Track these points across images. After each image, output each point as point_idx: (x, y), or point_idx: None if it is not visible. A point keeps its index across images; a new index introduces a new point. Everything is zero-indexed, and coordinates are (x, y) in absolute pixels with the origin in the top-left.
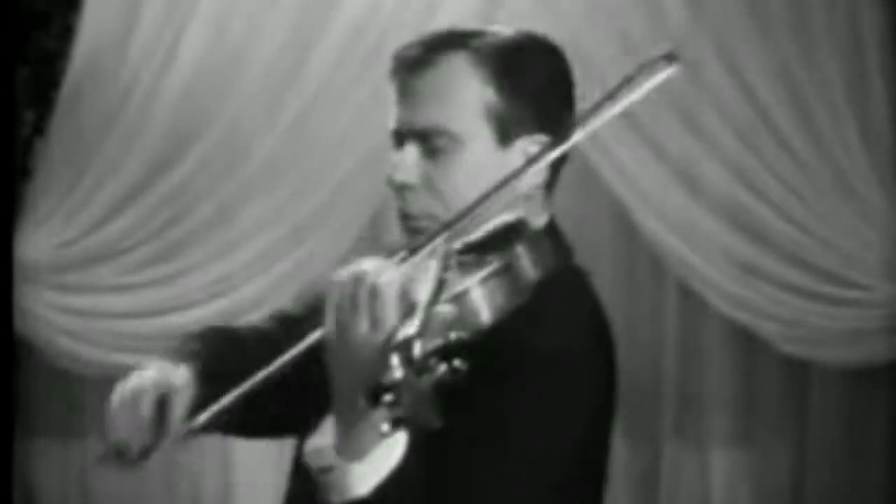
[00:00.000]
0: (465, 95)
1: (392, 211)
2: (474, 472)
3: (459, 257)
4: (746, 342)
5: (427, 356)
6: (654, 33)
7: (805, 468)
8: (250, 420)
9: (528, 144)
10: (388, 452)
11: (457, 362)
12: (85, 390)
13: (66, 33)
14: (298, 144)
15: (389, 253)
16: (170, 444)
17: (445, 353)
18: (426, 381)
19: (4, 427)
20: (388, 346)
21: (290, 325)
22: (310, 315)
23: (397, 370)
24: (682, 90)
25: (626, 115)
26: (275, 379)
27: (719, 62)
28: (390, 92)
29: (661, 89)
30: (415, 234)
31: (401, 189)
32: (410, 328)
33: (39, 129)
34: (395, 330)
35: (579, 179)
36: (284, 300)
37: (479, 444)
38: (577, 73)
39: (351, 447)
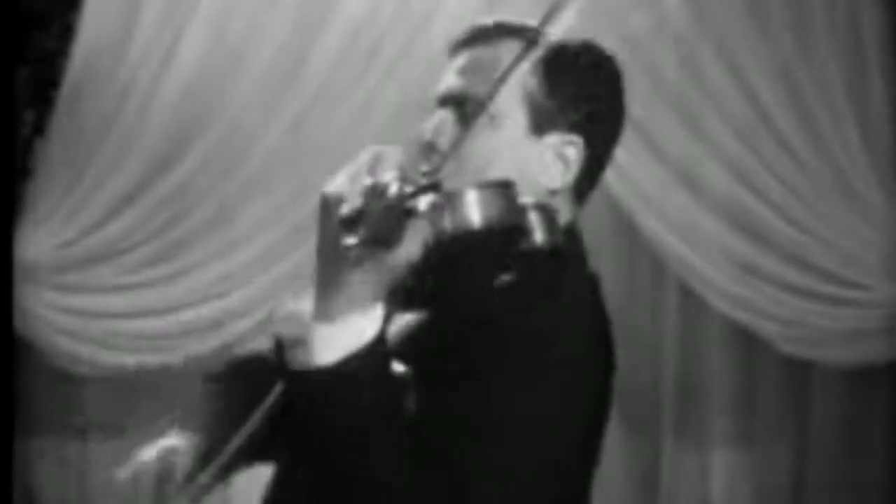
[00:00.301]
0: (514, 79)
1: None
2: (467, 447)
3: None
4: (746, 342)
5: (400, 195)
6: (655, 33)
7: (805, 468)
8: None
9: (560, 142)
10: (361, 326)
11: (430, 197)
12: (85, 390)
13: (66, 33)
14: (298, 144)
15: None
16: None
17: (418, 192)
18: (392, 204)
19: (4, 427)
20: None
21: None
22: None
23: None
24: (683, 91)
25: (626, 116)
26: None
27: (719, 62)
28: (448, 63)
29: (661, 89)
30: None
31: (427, 149)
32: (391, 178)
33: (39, 128)
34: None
35: None
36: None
37: (472, 424)
38: None
39: (326, 312)
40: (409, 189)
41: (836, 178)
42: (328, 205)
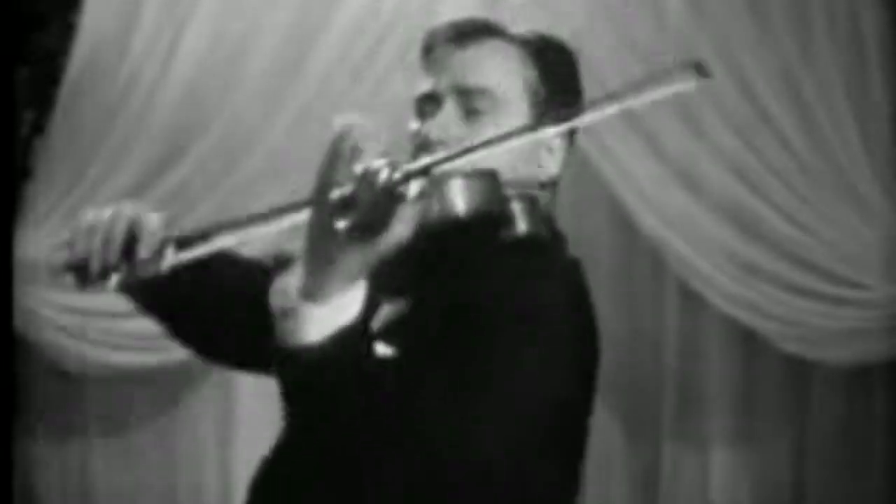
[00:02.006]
0: (512, 68)
1: None
2: (451, 411)
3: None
4: (746, 342)
5: (390, 181)
6: (655, 33)
7: (805, 467)
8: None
9: (552, 135)
10: (345, 305)
11: (419, 182)
12: (85, 390)
13: (67, 31)
14: (299, 143)
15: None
16: (129, 274)
17: (408, 177)
18: (382, 189)
19: (4, 427)
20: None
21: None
22: None
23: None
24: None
25: (627, 114)
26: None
27: (719, 62)
28: (425, 63)
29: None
30: None
31: (436, 145)
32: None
33: (39, 127)
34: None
35: (580, 179)
36: None
37: (457, 386)
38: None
39: (315, 291)
40: (398, 175)
41: (836, 178)
42: (321, 186)
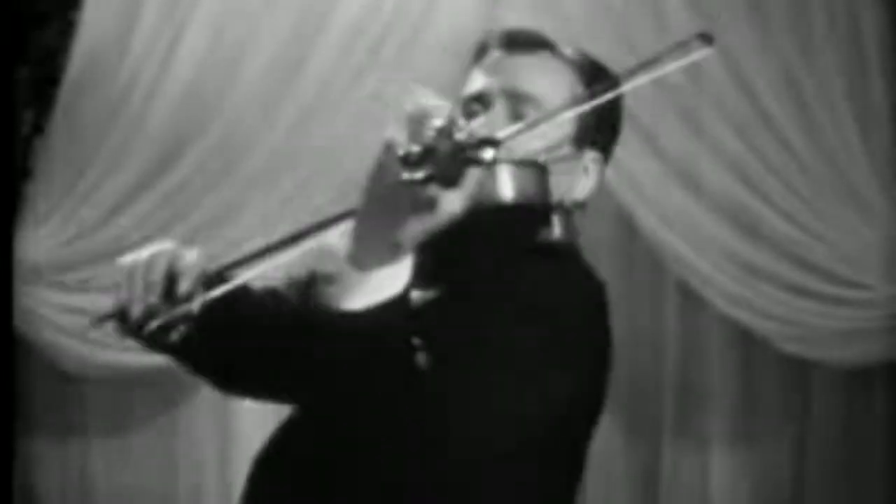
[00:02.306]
0: (563, 82)
1: None
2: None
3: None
4: (746, 342)
5: (465, 141)
6: (655, 34)
7: (805, 468)
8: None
9: (590, 160)
10: (392, 277)
11: (492, 151)
12: (85, 390)
13: (67, 29)
14: (299, 144)
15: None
16: (173, 316)
17: (482, 143)
18: (459, 146)
19: (4, 427)
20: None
21: (298, 288)
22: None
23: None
24: (682, 90)
25: (626, 114)
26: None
27: (719, 62)
28: (477, 65)
29: (661, 89)
30: None
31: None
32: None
33: (39, 127)
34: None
35: None
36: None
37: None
38: None
39: (361, 258)
40: (471, 140)
41: (836, 178)
42: (391, 149)
